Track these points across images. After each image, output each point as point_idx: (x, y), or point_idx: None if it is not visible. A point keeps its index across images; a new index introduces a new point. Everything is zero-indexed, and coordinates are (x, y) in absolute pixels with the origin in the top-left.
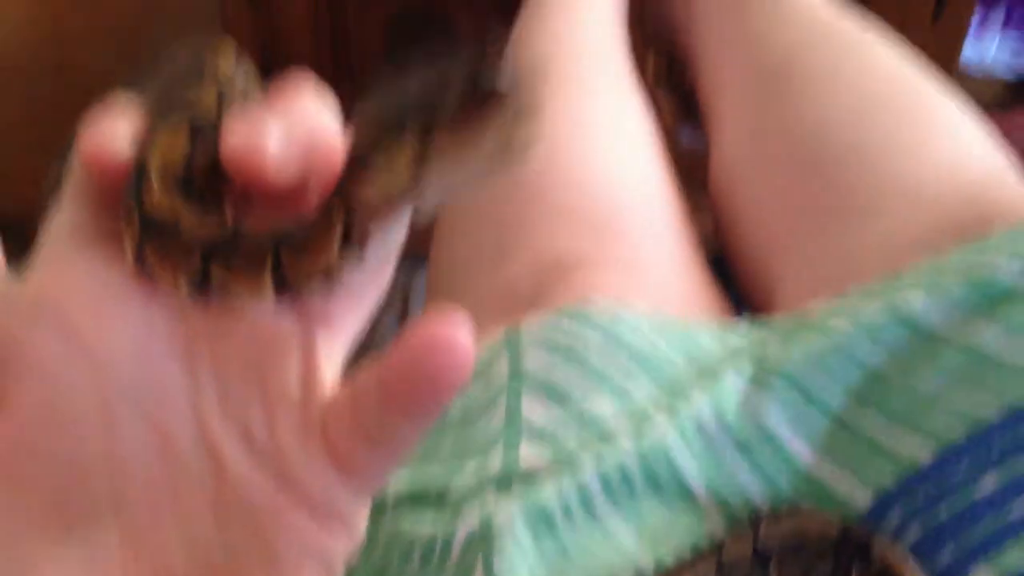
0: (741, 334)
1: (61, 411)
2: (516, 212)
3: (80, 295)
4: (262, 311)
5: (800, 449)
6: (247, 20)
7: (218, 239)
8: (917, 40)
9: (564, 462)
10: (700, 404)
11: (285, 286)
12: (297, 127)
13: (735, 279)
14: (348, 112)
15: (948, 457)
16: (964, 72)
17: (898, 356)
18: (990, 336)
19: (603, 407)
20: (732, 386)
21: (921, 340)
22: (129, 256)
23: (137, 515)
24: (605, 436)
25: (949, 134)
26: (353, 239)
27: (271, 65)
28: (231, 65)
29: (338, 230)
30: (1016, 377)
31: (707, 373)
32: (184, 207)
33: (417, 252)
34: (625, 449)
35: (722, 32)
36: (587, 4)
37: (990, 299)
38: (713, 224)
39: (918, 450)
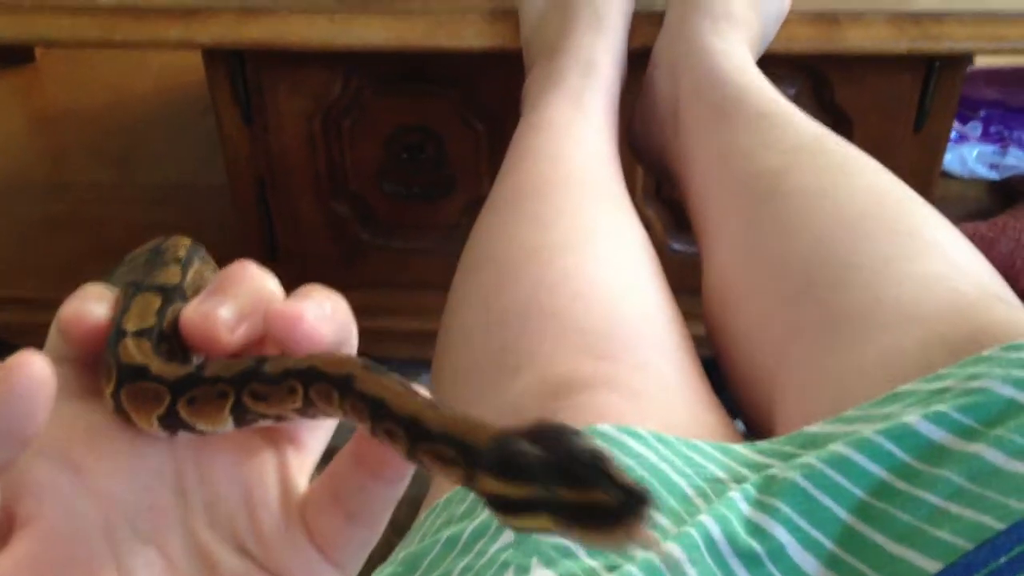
0: (745, 455)
1: (75, 532)
2: (520, 321)
3: (76, 438)
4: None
5: (809, 563)
6: (244, 138)
7: (184, 380)
8: (901, 149)
9: None
10: (707, 522)
11: (244, 422)
12: (246, 297)
13: (730, 390)
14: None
15: (956, 569)
16: (948, 175)
17: (901, 471)
18: (990, 453)
19: None
20: (738, 505)
21: (923, 455)
22: (108, 402)
23: None
24: (615, 558)
25: (940, 252)
26: (314, 407)
27: (269, 184)
28: (188, 248)
29: (299, 395)
30: (1019, 486)
31: (714, 491)
32: (154, 357)
33: (418, 356)
34: (635, 569)
35: (709, 151)
36: (582, 123)
37: (987, 419)
38: (706, 331)
39: (926, 562)
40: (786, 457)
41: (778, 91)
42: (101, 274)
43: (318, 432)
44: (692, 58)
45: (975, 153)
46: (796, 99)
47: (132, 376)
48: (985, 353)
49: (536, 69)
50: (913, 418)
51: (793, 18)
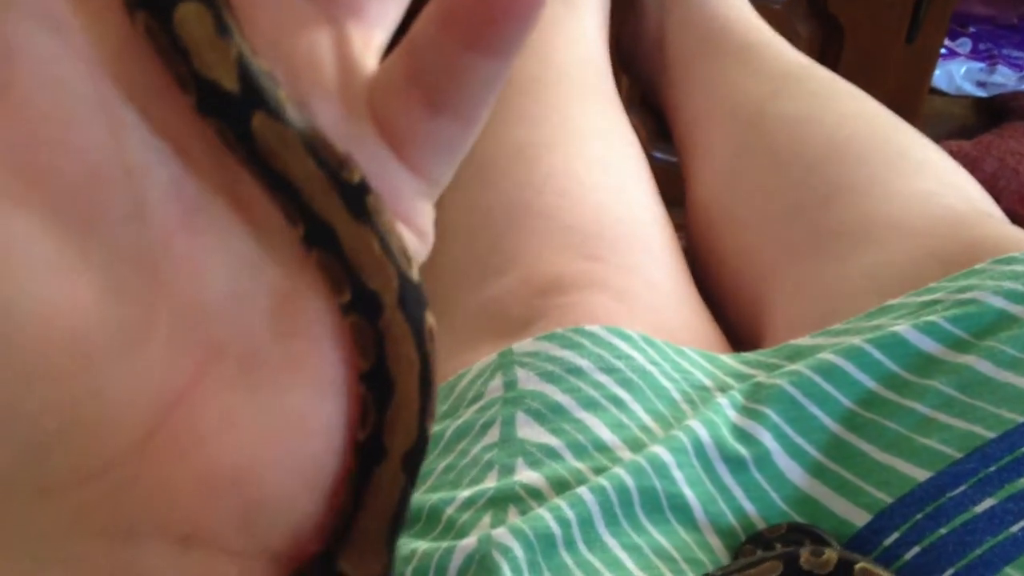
0: (731, 365)
1: (63, 105)
2: (506, 220)
3: None
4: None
5: (794, 471)
6: None
7: None
8: (892, 60)
9: (562, 484)
10: (695, 426)
11: None
12: None
13: (714, 306)
14: None
15: (945, 477)
16: (935, 91)
17: (889, 381)
18: (981, 363)
19: (600, 432)
20: (725, 411)
21: (912, 365)
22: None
23: (163, 225)
24: (603, 459)
25: (930, 170)
26: None
27: None
28: None
29: None
30: (1010, 396)
31: (701, 399)
32: None
33: None
34: (623, 471)
35: (695, 81)
36: (572, 22)
37: (977, 330)
38: (687, 243)
39: (914, 470)
40: (772, 369)
41: (762, 20)
42: None
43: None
44: None
45: (963, 70)
46: (788, 6)
47: None
48: (976, 267)
49: None
50: (903, 328)
51: None
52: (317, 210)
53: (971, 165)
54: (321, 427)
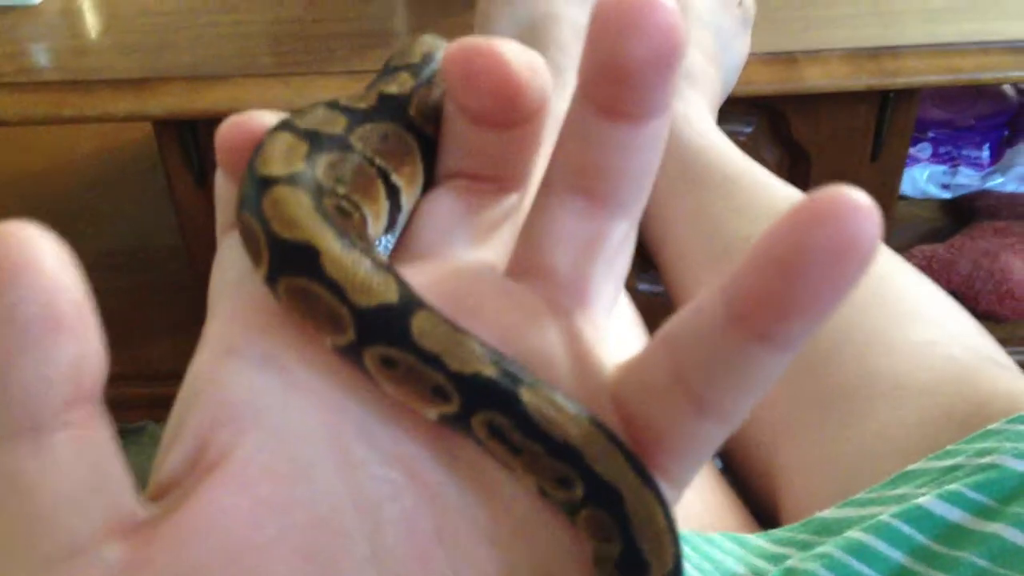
0: (761, 547)
1: (294, 458)
2: None
3: (273, 326)
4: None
5: None
6: (198, 202)
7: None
8: (858, 179)
9: None
10: None
11: None
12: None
13: (726, 470)
14: None
15: None
16: (901, 196)
17: (920, 553)
18: (1009, 531)
19: None
20: None
21: (941, 536)
22: (263, 282)
23: (401, 564)
24: None
25: (928, 316)
26: None
27: None
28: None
29: None
30: None
31: None
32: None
33: None
34: None
35: (678, 217)
36: None
37: (1001, 496)
38: None
39: None
40: (802, 546)
41: (740, 150)
42: None
43: (608, 275)
44: None
45: (926, 174)
46: (754, 136)
47: (291, 258)
48: (992, 427)
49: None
50: (928, 500)
51: (751, 60)
52: (600, 472)
53: (947, 268)
54: None
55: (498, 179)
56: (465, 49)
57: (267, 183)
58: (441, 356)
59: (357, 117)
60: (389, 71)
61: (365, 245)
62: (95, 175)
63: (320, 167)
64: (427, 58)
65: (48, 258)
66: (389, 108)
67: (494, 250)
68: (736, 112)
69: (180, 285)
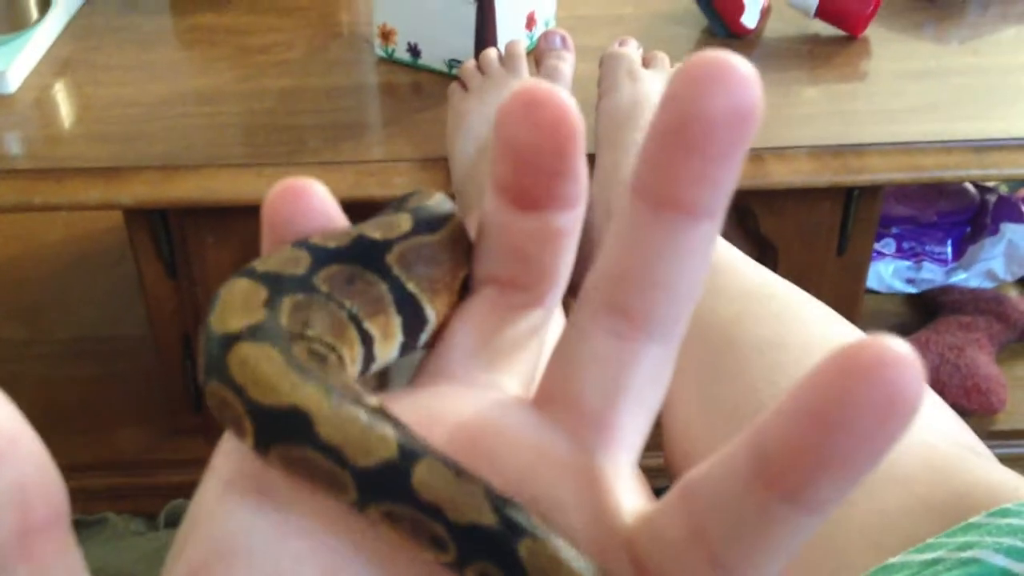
0: None
1: None
2: None
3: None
4: None
5: None
6: (168, 293)
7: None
8: (825, 273)
9: None
10: None
11: None
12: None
13: None
14: None
15: None
16: (867, 291)
17: None
18: None
19: None
20: None
21: None
22: (251, 450)
23: None
24: None
25: None
26: None
27: (196, 338)
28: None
29: None
30: None
31: None
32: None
33: None
34: None
35: None
36: None
37: None
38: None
39: None
40: None
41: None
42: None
43: (638, 409)
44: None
45: (891, 269)
46: (723, 231)
47: (278, 424)
48: (973, 520)
49: (475, 212)
50: None
51: None
52: None
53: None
54: None
55: (530, 286)
56: (530, 87)
57: (228, 341)
58: (442, 507)
59: (322, 257)
60: (392, 209)
61: (352, 392)
62: (64, 263)
63: (284, 312)
64: (434, 207)
65: None
66: (361, 250)
67: (519, 375)
68: None
69: (147, 374)
